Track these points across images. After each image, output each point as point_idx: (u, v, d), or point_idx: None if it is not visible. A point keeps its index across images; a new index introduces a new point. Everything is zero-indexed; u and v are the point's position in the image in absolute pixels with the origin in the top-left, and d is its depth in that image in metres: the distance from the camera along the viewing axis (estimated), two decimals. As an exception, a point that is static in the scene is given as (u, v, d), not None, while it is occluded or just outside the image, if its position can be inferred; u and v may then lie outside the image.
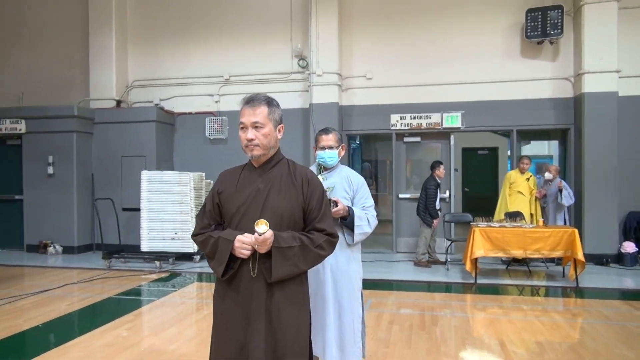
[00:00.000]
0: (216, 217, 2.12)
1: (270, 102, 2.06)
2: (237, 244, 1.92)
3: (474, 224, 6.62)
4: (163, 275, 7.10)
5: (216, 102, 9.18)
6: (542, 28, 7.79)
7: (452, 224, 8.34)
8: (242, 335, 1.97)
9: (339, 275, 2.85)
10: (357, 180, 2.99)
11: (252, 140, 2.00)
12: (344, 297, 2.84)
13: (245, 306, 1.98)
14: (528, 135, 9.54)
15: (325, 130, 3.03)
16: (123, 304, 5.61)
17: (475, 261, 6.39)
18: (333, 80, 8.43)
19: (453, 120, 8.33)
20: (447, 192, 8.61)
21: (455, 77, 8.40)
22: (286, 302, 1.99)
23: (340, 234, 2.85)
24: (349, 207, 2.84)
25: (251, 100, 2.04)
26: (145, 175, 7.84)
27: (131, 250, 8.14)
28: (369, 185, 3.10)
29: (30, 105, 9.25)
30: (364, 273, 3.13)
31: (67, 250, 8.75)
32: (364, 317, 3.00)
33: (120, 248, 8.31)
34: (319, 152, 2.98)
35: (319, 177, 2.91)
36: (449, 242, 7.69)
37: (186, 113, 9.30)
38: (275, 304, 1.98)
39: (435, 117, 8.40)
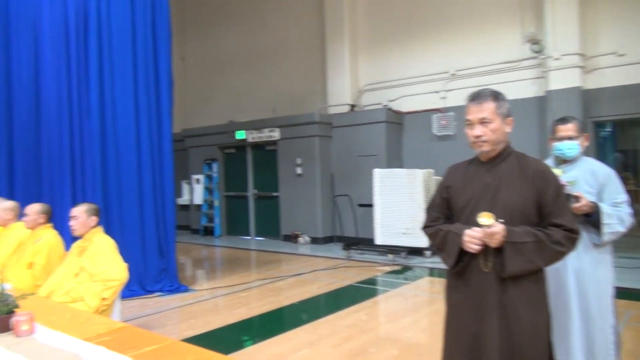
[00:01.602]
0: (444, 211, 2.19)
1: (496, 97, 2.03)
2: (466, 238, 1.96)
3: None
4: (396, 267, 7.47)
5: (442, 98, 9.17)
6: None
7: None
8: (475, 326, 1.99)
9: (585, 278, 2.59)
10: (605, 172, 2.68)
11: (479, 136, 2.01)
12: (591, 303, 2.58)
13: (476, 299, 2.00)
14: None
15: (563, 120, 2.80)
16: (362, 291, 6.13)
17: None
18: (574, 62, 7.51)
19: None
20: None
21: None
22: (522, 299, 1.94)
23: (585, 234, 2.61)
24: (594, 202, 2.56)
25: (477, 97, 2.04)
26: (377, 173, 8.37)
27: (366, 243, 8.80)
28: (624, 181, 2.73)
29: (281, 116, 10.85)
30: (621, 280, 2.78)
31: (314, 240, 9.98)
32: (617, 327, 2.66)
33: (357, 240, 9.09)
34: (556, 144, 2.77)
35: (557, 170, 2.70)
36: None
37: (413, 112, 9.56)
38: (510, 299, 1.94)
39: None
